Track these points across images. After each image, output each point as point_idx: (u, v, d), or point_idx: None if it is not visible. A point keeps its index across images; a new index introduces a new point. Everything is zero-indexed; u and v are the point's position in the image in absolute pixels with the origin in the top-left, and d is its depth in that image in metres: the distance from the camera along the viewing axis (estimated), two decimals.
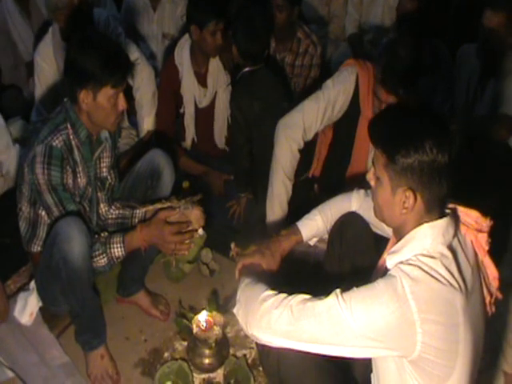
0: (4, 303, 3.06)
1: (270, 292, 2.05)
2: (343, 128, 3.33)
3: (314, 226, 2.67)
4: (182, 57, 3.90)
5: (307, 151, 3.42)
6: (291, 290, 2.04)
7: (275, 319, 1.96)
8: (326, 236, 2.72)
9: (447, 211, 1.97)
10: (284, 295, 2.01)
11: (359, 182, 3.16)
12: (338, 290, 1.91)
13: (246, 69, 3.63)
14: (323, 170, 3.55)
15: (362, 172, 3.20)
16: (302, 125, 3.21)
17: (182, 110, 4.03)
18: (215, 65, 3.93)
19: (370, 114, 3.10)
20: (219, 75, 3.94)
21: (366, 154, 3.25)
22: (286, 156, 3.24)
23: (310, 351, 1.95)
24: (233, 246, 2.63)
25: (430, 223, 1.91)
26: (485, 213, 2.04)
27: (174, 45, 4.06)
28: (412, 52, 2.88)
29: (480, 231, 2.01)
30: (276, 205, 3.32)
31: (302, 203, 3.35)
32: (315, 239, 2.74)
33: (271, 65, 3.89)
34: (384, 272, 1.93)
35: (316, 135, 3.40)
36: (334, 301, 1.88)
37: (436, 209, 1.93)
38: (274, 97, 3.63)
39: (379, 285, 1.85)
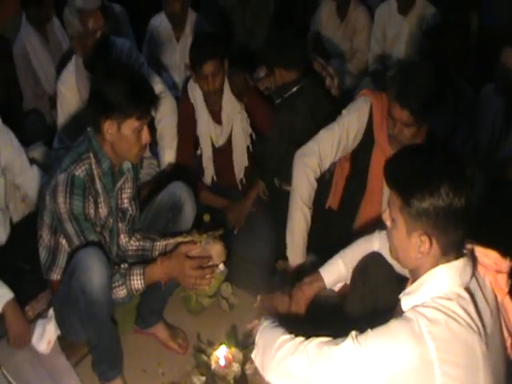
0: (25, 330, 3.05)
1: (287, 336, 2.05)
2: (359, 158, 3.33)
3: (336, 272, 2.68)
4: (195, 95, 3.90)
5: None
6: (312, 331, 2.02)
7: (292, 365, 1.96)
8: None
9: (464, 251, 1.95)
10: (300, 339, 2.01)
11: (374, 213, 3.23)
12: (353, 333, 1.90)
13: (294, 89, 3.69)
14: (341, 204, 3.52)
15: (377, 202, 3.26)
16: (318, 153, 3.22)
17: (199, 152, 4.04)
18: (227, 99, 3.88)
19: (384, 142, 3.14)
20: (233, 109, 3.90)
21: (380, 183, 3.19)
22: (303, 184, 3.24)
23: None
24: (259, 298, 2.63)
25: (447, 264, 1.89)
26: (505, 253, 2.01)
27: None
28: (428, 72, 2.98)
29: (499, 272, 1.98)
30: (296, 234, 3.31)
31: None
32: (339, 285, 2.73)
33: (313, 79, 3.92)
34: (401, 314, 1.91)
35: (333, 165, 3.41)
36: (350, 344, 1.87)
37: (453, 251, 1.90)
38: (320, 112, 3.66)
39: (395, 326, 1.84)
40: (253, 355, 2.15)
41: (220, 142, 3.99)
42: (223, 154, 4.02)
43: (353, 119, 3.22)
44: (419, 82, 2.92)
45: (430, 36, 4.15)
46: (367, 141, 3.23)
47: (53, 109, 4.51)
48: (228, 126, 3.94)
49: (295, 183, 3.26)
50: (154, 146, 4.14)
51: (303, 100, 3.69)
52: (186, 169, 3.99)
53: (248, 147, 4.03)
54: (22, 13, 4.74)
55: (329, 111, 3.56)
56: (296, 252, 3.32)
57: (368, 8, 5.53)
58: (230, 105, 3.88)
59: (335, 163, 3.43)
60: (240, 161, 4.06)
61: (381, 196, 3.23)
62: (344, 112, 3.27)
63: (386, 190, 3.03)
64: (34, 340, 3.04)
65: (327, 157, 3.25)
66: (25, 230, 3.38)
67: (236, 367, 2.75)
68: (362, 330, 1.90)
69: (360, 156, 3.30)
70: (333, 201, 3.55)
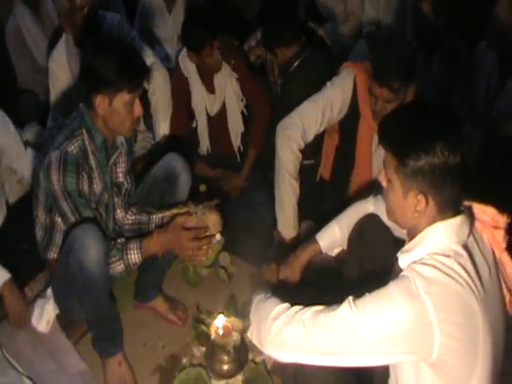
0: (24, 309, 3.07)
1: (281, 307, 2.03)
2: (346, 129, 3.33)
3: (331, 235, 2.68)
4: (187, 67, 3.89)
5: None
6: (311, 297, 2.01)
7: (288, 337, 1.94)
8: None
9: (462, 209, 1.93)
10: (295, 309, 1.99)
11: (365, 180, 3.25)
12: (350, 298, 1.88)
13: (296, 63, 3.70)
14: (332, 174, 3.53)
15: (367, 173, 3.27)
16: (301, 125, 3.21)
17: (194, 124, 4.04)
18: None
19: (368, 114, 3.13)
20: (224, 74, 3.89)
21: (368, 155, 3.25)
22: (288, 157, 3.23)
23: (327, 364, 1.92)
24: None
25: (444, 222, 1.87)
26: (502, 209, 2.00)
27: None
28: (406, 45, 2.98)
29: (497, 228, 1.97)
30: (286, 208, 3.31)
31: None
32: (336, 250, 2.73)
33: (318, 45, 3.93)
34: (398, 273, 1.90)
35: (317, 137, 3.40)
36: (347, 309, 1.86)
37: (449, 209, 1.89)
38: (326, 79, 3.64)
39: (392, 288, 1.83)
40: (249, 333, 2.15)
41: (214, 110, 3.99)
42: (218, 122, 4.02)
43: (337, 92, 3.21)
44: (394, 58, 2.89)
45: None
46: (353, 113, 3.22)
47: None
48: (221, 93, 3.93)
49: (279, 156, 3.25)
50: (148, 119, 4.14)
51: (308, 71, 3.69)
52: (180, 140, 3.99)
53: (242, 112, 4.02)
54: None
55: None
56: (288, 225, 3.34)
57: None
58: (223, 71, 3.86)
59: (322, 134, 3.41)
60: (236, 127, 4.06)
61: (371, 167, 3.25)
62: (328, 84, 3.26)
63: (376, 161, 3.06)
64: (34, 320, 3.05)
65: (311, 129, 3.24)
66: (21, 210, 3.39)
67: (236, 336, 2.75)
68: (360, 293, 1.89)
69: (347, 127, 3.30)
70: (324, 171, 3.55)
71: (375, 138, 3.06)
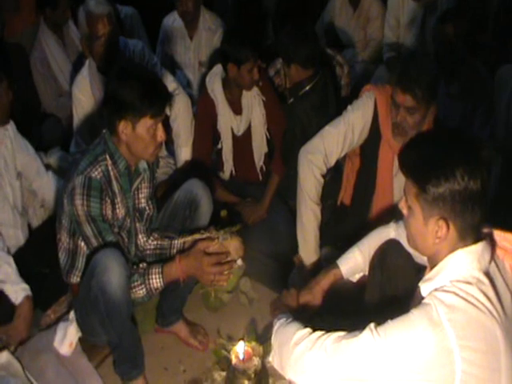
0: (28, 327, 3.09)
1: (303, 333, 2.04)
2: (367, 152, 3.33)
3: (353, 261, 2.68)
4: (214, 88, 3.90)
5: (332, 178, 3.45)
6: (332, 322, 2.01)
7: (310, 362, 1.95)
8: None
9: (482, 235, 1.93)
10: (317, 335, 2.00)
11: (386, 207, 3.24)
12: (372, 325, 1.89)
13: (307, 88, 3.72)
14: (353, 198, 3.53)
15: (388, 196, 3.27)
16: (324, 150, 3.23)
17: (219, 146, 4.03)
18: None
19: (389, 135, 3.14)
20: (251, 95, 3.91)
21: (389, 177, 3.25)
22: (310, 181, 3.25)
23: None
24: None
25: (465, 249, 1.87)
26: None
27: None
28: (428, 60, 3.06)
29: None
30: (308, 232, 3.32)
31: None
32: (357, 276, 2.72)
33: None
34: (420, 301, 1.90)
35: (340, 160, 3.42)
36: (369, 336, 1.86)
37: (470, 236, 1.89)
38: (331, 107, 3.73)
39: (414, 315, 1.83)
40: (270, 358, 2.16)
41: (241, 130, 3.99)
42: (243, 142, 4.02)
43: (358, 116, 3.22)
44: (420, 66, 2.95)
45: (443, 21, 4.10)
46: (374, 136, 3.23)
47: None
48: (248, 113, 3.94)
49: (301, 181, 3.27)
50: (170, 144, 4.17)
51: (315, 97, 3.72)
52: (201, 166, 3.99)
53: (266, 134, 4.03)
54: (40, 22, 4.81)
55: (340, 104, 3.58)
56: (309, 250, 3.34)
57: None
58: (250, 92, 3.89)
59: (343, 158, 3.43)
60: (259, 147, 4.05)
61: (392, 190, 3.24)
62: (349, 108, 3.28)
63: (397, 184, 3.06)
64: (56, 343, 3.05)
65: (333, 153, 3.26)
66: (44, 234, 3.43)
67: (256, 361, 2.74)
68: (381, 319, 1.90)
69: (368, 150, 3.30)
70: (345, 196, 3.55)
71: (396, 161, 3.07)
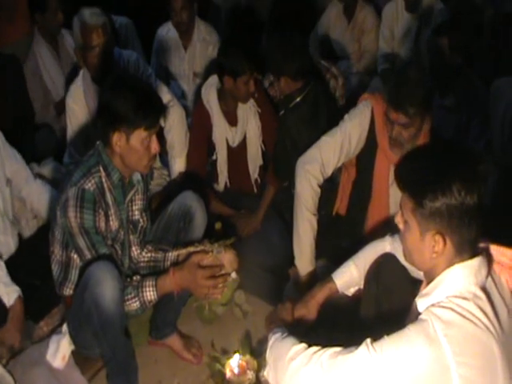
0: (18, 325, 3.07)
1: (298, 348, 2.03)
2: (363, 162, 3.33)
3: (348, 275, 2.67)
4: (210, 99, 3.90)
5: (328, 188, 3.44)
6: (327, 336, 2.01)
7: (306, 377, 1.94)
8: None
9: (479, 250, 1.93)
10: (313, 350, 1.99)
11: (382, 217, 3.24)
12: (368, 340, 1.88)
13: (298, 99, 3.70)
14: (348, 208, 3.53)
15: (384, 207, 3.26)
16: (320, 159, 3.23)
17: (214, 157, 4.03)
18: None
19: (386, 144, 3.13)
20: (248, 109, 3.92)
21: (385, 187, 3.25)
22: (307, 191, 3.24)
23: None
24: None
25: (462, 264, 1.87)
26: None
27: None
28: (421, 73, 3.01)
29: None
30: (304, 242, 3.31)
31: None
32: (352, 290, 2.71)
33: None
34: (416, 316, 1.89)
35: (336, 171, 3.41)
36: (365, 351, 1.86)
37: (467, 250, 1.89)
38: (323, 118, 3.70)
39: (410, 331, 1.82)
40: (265, 373, 2.15)
41: (236, 141, 4.00)
42: (237, 155, 4.02)
43: (354, 125, 3.22)
44: (411, 81, 2.94)
45: (438, 33, 4.11)
46: (370, 145, 3.23)
47: (61, 115, 4.56)
48: (243, 125, 3.95)
49: (298, 191, 3.26)
50: (164, 155, 4.15)
51: (306, 109, 3.71)
52: (196, 178, 3.99)
53: (261, 146, 4.04)
54: (34, 32, 4.78)
55: (332, 115, 3.56)
56: (305, 260, 3.33)
57: (375, 6, 5.53)
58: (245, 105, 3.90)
59: (339, 169, 3.43)
60: (254, 159, 4.05)
61: (387, 199, 3.24)
62: (346, 117, 3.28)
63: (393, 193, 3.06)
64: (49, 356, 3.03)
65: (330, 163, 3.25)
66: (34, 245, 3.41)
67: (251, 375, 2.74)
68: (376, 333, 1.89)
69: (364, 160, 3.30)
70: (340, 206, 3.54)
71: (392, 170, 3.06)
